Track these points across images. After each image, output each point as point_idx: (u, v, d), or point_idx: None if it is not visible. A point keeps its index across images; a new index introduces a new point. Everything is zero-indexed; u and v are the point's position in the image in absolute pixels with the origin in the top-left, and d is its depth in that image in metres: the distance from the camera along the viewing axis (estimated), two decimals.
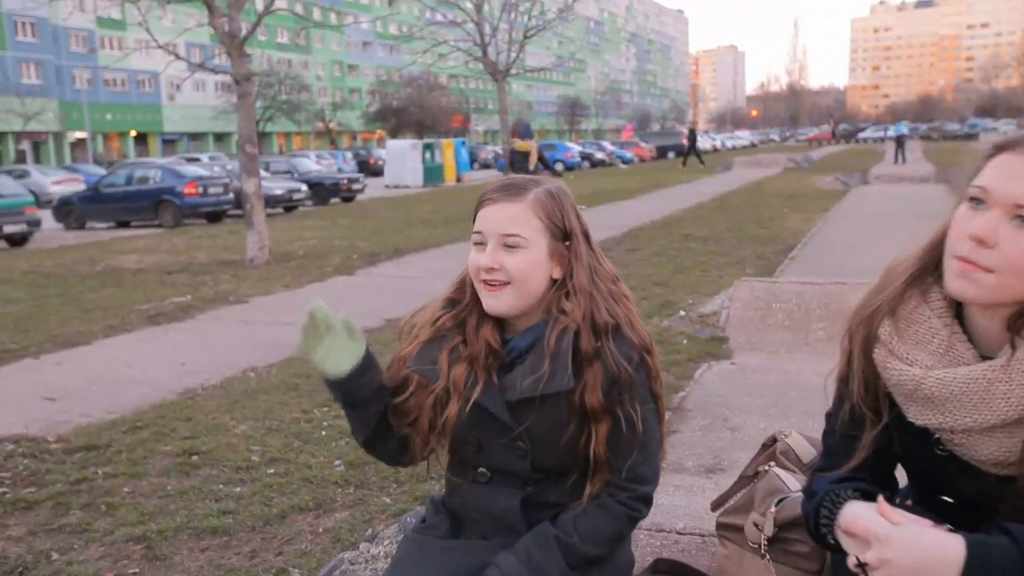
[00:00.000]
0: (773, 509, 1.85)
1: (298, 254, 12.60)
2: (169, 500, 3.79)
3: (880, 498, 1.29)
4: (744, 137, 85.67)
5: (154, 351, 6.81)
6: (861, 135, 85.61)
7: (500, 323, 1.69)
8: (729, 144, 72.53)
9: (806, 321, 5.88)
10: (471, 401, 1.63)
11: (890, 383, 1.39)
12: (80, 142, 57.29)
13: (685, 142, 42.60)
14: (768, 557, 1.85)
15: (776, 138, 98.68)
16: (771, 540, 1.85)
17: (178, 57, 10.34)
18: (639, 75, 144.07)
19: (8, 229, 17.27)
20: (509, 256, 1.60)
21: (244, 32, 11.17)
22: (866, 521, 1.27)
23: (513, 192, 1.65)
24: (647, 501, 1.67)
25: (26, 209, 17.85)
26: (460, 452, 1.72)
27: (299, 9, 13.17)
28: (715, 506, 2.07)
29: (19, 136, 51.94)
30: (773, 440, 2.08)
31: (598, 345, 1.61)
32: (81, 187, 26.45)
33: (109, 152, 57.23)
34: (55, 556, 3.34)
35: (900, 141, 33.26)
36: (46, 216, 20.89)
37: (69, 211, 21.28)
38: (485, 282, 1.62)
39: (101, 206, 20.86)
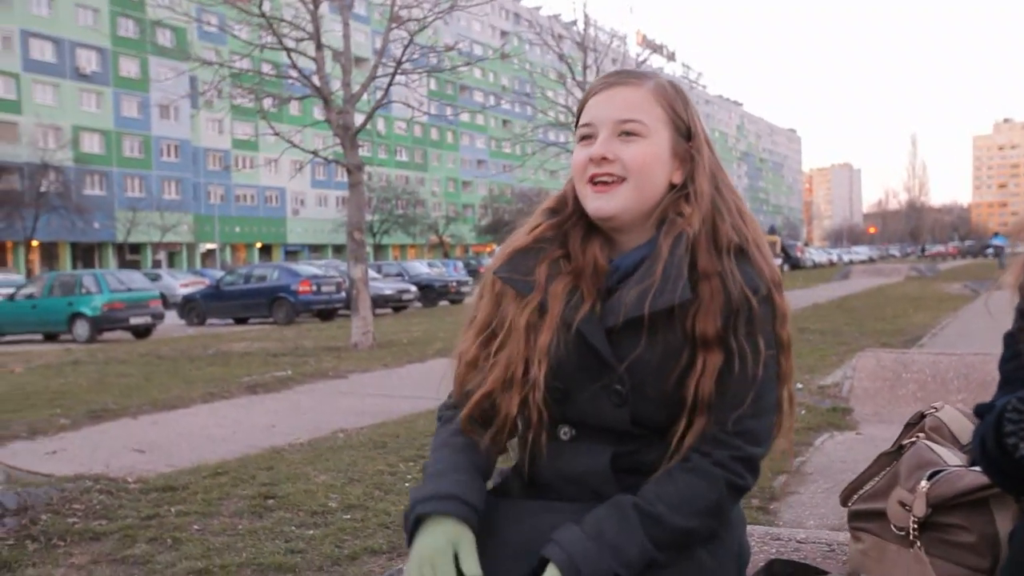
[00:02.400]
0: (925, 484, 1.45)
1: (402, 342, 12.58)
2: (238, 538, 3.56)
3: None
4: (862, 252, 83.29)
5: (248, 415, 6.73)
6: (988, 250, 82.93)
7: (608, 241, 1.37)
8: (846, 258, 70.55)
9: (942, 393, 5.27)
10: (573, 326, 1.29)
11: None
12: (210, 252, 60.67)
13: (799, 254, 41.57)
14: (919, 545, 1.43)
15: (896, 253, 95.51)
16: (923, 525, 1.44)
17: (294, 145, 10.75)
18: (751, 192, 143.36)
19: (134, 321, 18.07)
20: (626, 146, 1.31)
21: (358, 125, 11.55)
22: None
23: (630, 77, 1.37)
24: (752, 467, 1.28)
25: (151, 303, 18.72)
26: (545, 404, 1.34)
27: (414, 106, 13.50)
28: (846, 497, 1.65)
29: (156, 247, 55.46)
30: (920, 416, 1.68)
31: (719, 266, 1.28)
32: None
33: (235, 261, 60.25)
34: None
35: (997, 251, 38.29)
36: (172, 316, 21.89)
37: (192, 308, 22.20)
38: (593, 179, 1.32)
39: (221, 303, 21.68)
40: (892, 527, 1.49)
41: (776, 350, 1.30)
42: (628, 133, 1.31)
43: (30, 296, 18.90)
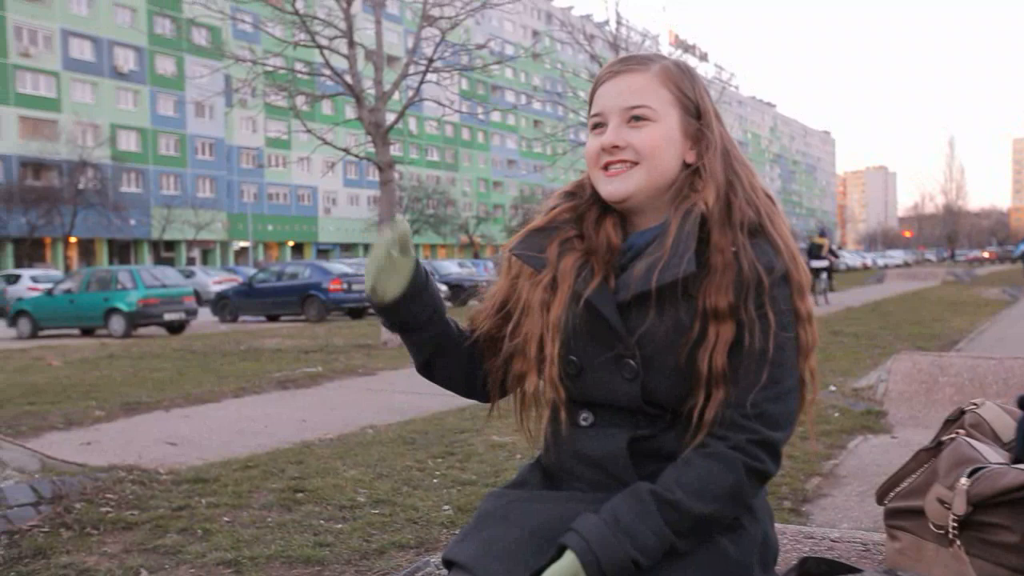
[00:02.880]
0: (965, 481, 1.41)
1: None
2: (267, 531, 3.58)
3: None
4: (896, 256, 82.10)
5: (279, 410, 6.78)
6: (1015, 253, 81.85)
7: (622, 222, 1.40)
8: (881, 262, 69.62)
9: (982, 397, 5.17)
10: (583, 298, 1.32)
11: None
12: (243, 250, 61.27)
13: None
14: (959, 544, 1.40)
15: (932, 258, 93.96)
16: (962, 524, 1.41)
17: (325, 142, 10.82)
18: (784, 195, 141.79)
19: (168, 316, 18.28)
20: (636, 132, 1.33)
21: (389, 123, 11.61)
22: None
23: (635, 62, 1.38)
24: (772, 451, 1.26)
25: (185, 299, 18.93)
26: (561, 382, 1.37)
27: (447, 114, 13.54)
28: (882, 494, 1.62)
29: (191, 244, 56.11)
30: (960, 412, 1.64)
31: (732, 241, 1.29)
32: None
33: (268, 259, 60.79)
34: (144, 574, 3.17)
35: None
36: (205, 312, 22.15)
37: (224, 304, 22.44)
38: (607, 167, 1.34)
39: (253, 300, 21.89)
40: (930, 525, 1.45)
41: (795, 329, 1.29)
42: (637, 118, 1.33)
43: (68, 291, 19.21)
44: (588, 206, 1.41)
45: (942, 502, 1.43)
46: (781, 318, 1.27)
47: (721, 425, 1.25)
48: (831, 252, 21.63)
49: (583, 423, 1.37)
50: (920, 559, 1.47)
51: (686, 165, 1.36)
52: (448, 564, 1.30)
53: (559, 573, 1.16)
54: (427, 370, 1.48)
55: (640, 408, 1.31)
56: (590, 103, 1.40)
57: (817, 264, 20.95)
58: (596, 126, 1.37)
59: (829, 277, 21.91)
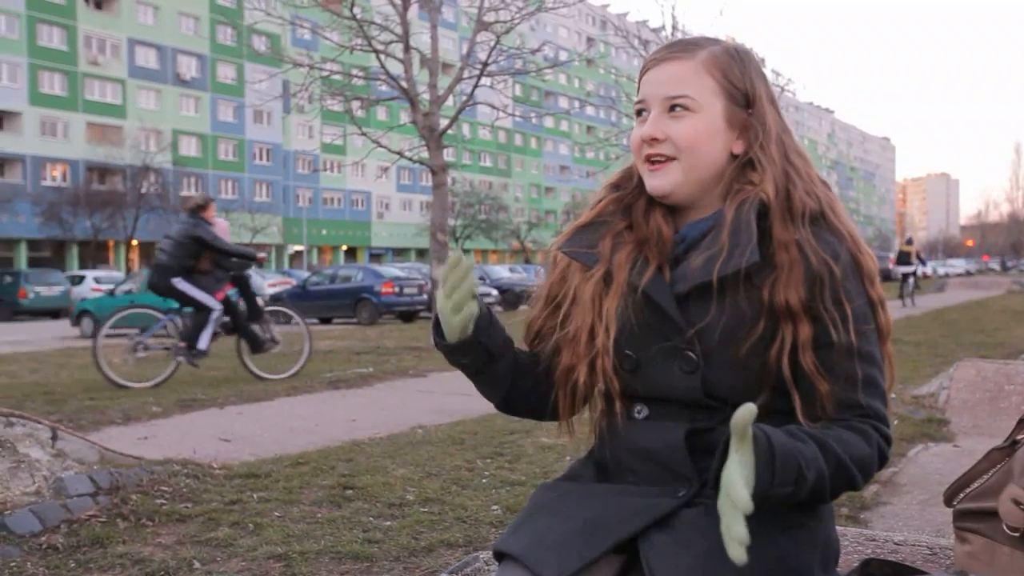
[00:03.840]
0: None
1: None
2: (317, 526, 3.59)
3: None
4: (958, 265, 80.00)
5: (330, 409, 6.84)
6: None
7: (672, 213, 1.36)
8: (941, 271, 67.89)
9: None
10: (639, 289, 1.28)
11: None
12: (297, 254, 62.29)
13: (891, 266, 40.56)
14: None
15: (996, 267, 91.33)
16: None
17: (380, 145, 10.92)
18: (842, 202, 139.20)
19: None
20: (675, 123, 1.29)
21: (443, 126, 11.67)
22: None
23: (681, 48, 1.33)
24: (890, 444, 1.24)
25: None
26: (616, 375, 1.33)
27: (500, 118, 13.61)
28: (950, 496, 1.55)
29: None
30: None
31: (796, 233, 1.24)
32: None
33: (322, 263, 61.68)
34: (197, 565, 3.20)
35: None
36: None
37: None
38: (648, 158, 1.31)
39: (307, 302, 22.12)
40: (1004, 527, 1.38)
41: (873, 319, 1.26)
42: (678, 108, 1.29)
43: (128, 292, 19.68)
44: (636, 196, 1.38)
45: (1018, 503, 1.36)
46: (860, 310, 1.23)
47: (845, 418, 1.21)
48: (918, 258, 23.33)
49: (637, 416, 1.33)
50: (993, 563, 1.40)
51: (733, 156, 1.31)
52: (499, 556, 1.28)
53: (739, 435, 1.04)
54: (508, 406, 1.45)
55: (699, 401, 1.27)
56: (637, 89, 1.37)
57: (905, 270, 22.73)
58: (640, 112, 1.34)
59: (915, 281, 23.18)
